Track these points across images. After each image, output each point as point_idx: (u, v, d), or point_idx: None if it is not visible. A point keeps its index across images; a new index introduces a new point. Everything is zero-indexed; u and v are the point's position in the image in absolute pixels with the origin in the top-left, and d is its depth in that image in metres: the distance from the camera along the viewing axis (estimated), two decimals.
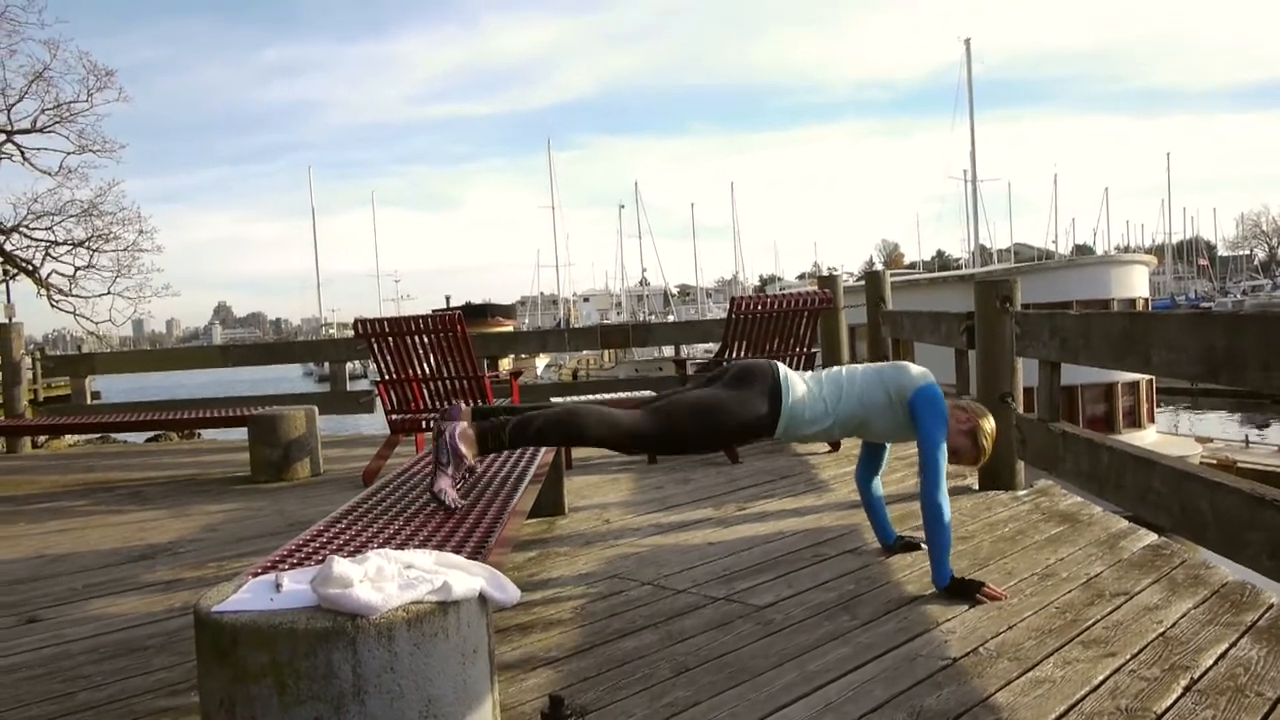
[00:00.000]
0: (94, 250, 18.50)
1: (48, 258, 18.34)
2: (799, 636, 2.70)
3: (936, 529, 2.95)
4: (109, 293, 18.72)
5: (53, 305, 18.38)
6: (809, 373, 3.10)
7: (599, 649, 2.69)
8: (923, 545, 3.22)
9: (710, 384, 3.05)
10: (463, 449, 2.80)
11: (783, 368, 3.03)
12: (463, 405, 3.05)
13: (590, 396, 6.37)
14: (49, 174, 17.75)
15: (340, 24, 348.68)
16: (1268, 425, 21.96)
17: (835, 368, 3.14)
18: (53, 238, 18.29)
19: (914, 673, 2.40)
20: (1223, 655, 2.41)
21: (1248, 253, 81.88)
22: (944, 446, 2.96)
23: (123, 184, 19.32)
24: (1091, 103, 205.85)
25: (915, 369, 3.08)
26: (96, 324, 18.86)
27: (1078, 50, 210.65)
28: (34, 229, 18.12)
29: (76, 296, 18.57)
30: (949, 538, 2.96)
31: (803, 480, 5.02)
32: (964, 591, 2.92)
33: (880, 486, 3.46)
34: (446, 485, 2.76)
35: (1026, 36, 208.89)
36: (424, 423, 5.77)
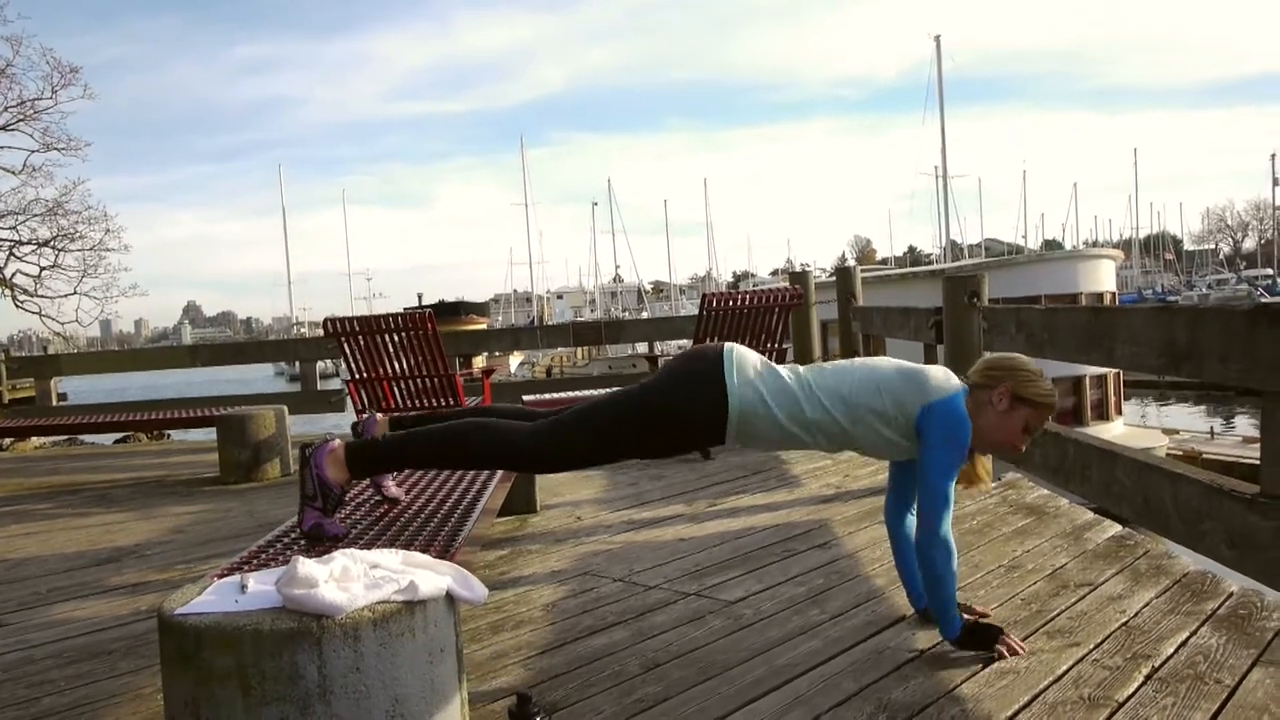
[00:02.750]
0: (59, 250, 18.27)
1: (11, 257, 18.09)
2: (769, 631, 2.72)
3: (942, 573, 2.36)
4: (75, 293, 18.50)
5: (17, 305, 18.14)
6: (795, 366, 2.48)
7: (569, 646, 2.69)
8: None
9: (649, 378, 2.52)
10: (329, 476, 2.37)
11: (733, 348, 2.40)
12: (378, 416, 2.71)
13: (572, 393, 6.37)
14: (12, 172, 17.51)
15: (311, 22, 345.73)
16: (1233, 417, 22.30)
17: (838, 360, 2.47)
18: (17, 237, 18.04)
19: (882, 665, 2.42)
20: (1184, 644, 2.45)
21: (1213, 247, 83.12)
22: (954, 476, 2.37)
23: (88, 182, 19.06)
24: (1060, 100, 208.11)
25: (936, 375, 2.40)
26: (63, 324, 18.64)
27: (1046, 48, 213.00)
28: None
29: (42, 297, 18.35)
30: (954, 581, 2.40)
31: (774, 476, 5.04)
32: (980, 640, 2.39)
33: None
34: (315, 519, 2.37)
35: (996, 34, 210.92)
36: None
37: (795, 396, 2.34)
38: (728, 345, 2.41)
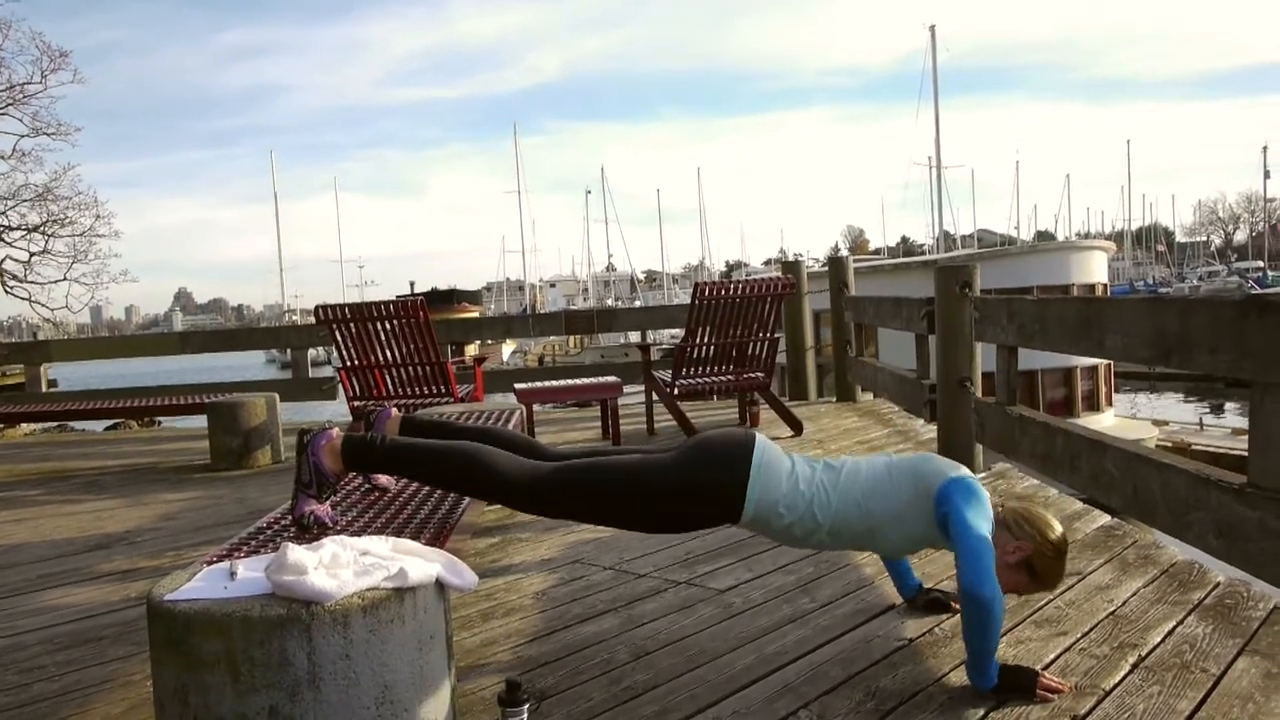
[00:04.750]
0: (49, 235, 18.11)
1: (0, 243, 17.97)
2: (758, 619, 2.73)
3: (983, 629, 2.09)
4: (65, 279, 18.34)
5: (7, 292, 18.00)
6: (812, 461, 2.38)
7: (559, 634, 2.69)
8: (953, 605, 2.59)
9: (670, 451, 2.39)
10: (326, 464, 2.35)
11: (764, 450, 2.32)
12: (393, 411, 2.63)
13: (565, 382, 6.34)
14: (2, 157, 17.38)
15: (304, 6, 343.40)
16: (1222, 408, 22.41)
17: (844, 457, 2.40)
18: (6, 223, 17.87)
19: (870, 654, 2.44)
20: (1170, 633, 2.47)
21: (1205, 239, 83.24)
22: (988, 530, 2.16)
23: (79, 168, 18.92)
24: (1053, 91, 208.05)
25: (942, 460, 2.36)
26: (53, 311, 18.50)
27: (1040, 38, 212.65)
28: None
29: (32, 283, 18.18)
30: (997, 638, 2.13)
31: None
32: (1017, 685, 2.14)
33: None
34: (311, 507, 2.34)
35: (990, 24, 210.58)
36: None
37: (810, 507, 2.28)
38: (759, 447, 2.32)
